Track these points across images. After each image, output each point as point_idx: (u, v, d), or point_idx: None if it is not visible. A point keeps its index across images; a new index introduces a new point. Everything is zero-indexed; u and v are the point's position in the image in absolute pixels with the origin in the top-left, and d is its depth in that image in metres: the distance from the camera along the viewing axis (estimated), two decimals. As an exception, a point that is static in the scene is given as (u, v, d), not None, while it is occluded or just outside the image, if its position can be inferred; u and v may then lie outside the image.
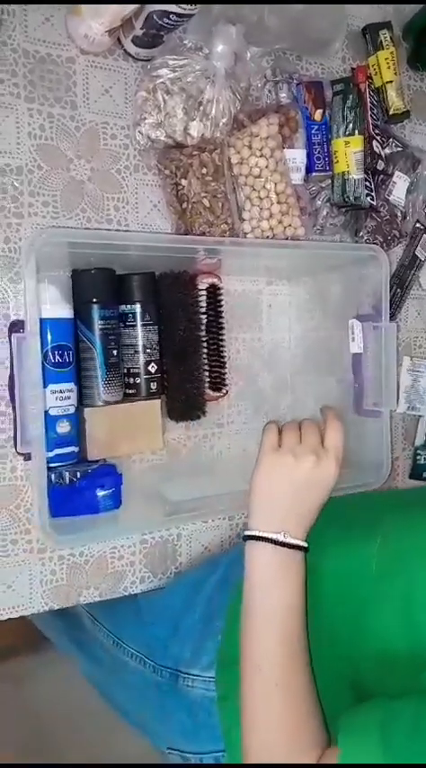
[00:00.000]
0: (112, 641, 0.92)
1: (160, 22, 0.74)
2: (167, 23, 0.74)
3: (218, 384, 0.91)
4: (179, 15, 0.73)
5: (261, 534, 0.62)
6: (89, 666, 1.02)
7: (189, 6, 0.71)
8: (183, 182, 0.84)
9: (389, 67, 1.00)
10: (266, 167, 0.86)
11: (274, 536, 0.61)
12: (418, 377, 1.12)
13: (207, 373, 0.90)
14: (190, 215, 0.85)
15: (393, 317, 1.07)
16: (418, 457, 1.13)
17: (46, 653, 1.27)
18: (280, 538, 0.61)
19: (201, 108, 0.82)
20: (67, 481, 0.73)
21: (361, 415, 0.95)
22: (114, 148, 0.83)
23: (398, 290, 1.08)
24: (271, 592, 0.61)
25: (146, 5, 0.72)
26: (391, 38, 1.00)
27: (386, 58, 1.00)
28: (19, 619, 0.80)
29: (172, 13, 0.72)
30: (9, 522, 0.78)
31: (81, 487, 0.73)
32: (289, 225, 0.88)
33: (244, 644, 0.61)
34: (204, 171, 0.85)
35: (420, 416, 1.13)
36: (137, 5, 0.70)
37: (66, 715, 1.27)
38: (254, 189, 0.86)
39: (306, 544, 0.62)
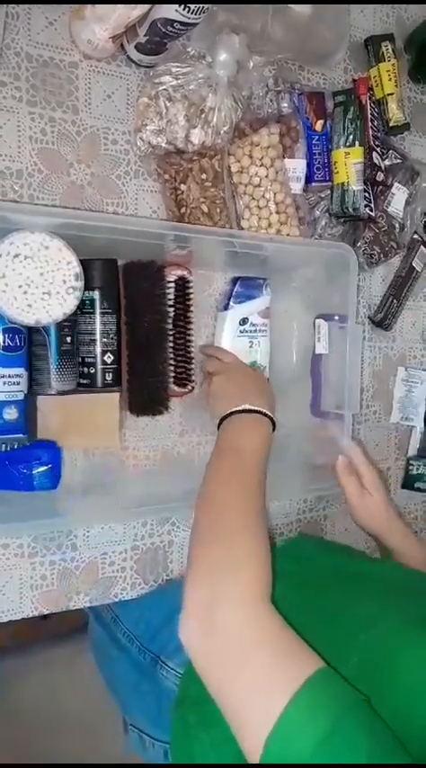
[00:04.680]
0: (111, 616, 0.94)
1: (164, 30, 0.74)
2: (171, 31, 0.74)
3: (184, 380, 0.89)
4: (182, 24, 0.73)
5: (225, 413, 0.76)
6: (94, 632, 1.03)
7: (193, 15, 0.71)
8: (183, 186, 0.84)
9: (390, 79, 1.00)
10: (266, 177, 0.86)
11: (236, 408, 0.76)
12: (412, 387, 1.12)
13: (172, 368, 0.88)
14: (188, 220, 0.85)
15: (389, 327, 1.08)
16: (411, 467, 1.13)
17: (33, 655, 1.26)
18: (243, 406, 0.76)
19: (203, 115, 0.83)
20: (2, 450, 0.71)
21: (319, 418, 0.95)
22: (115, 154, 0.83)
23: (394, 300, 1.08)
24: (241, 440, 0.72)
25: (150, 13, 0.72)
26: (393, 50, 1.01)
27: (387, 70, 1.00)
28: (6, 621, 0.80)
29: (175, 21, 0.72)
30: None
31: (16, 458, 0.72)
32: (288, 234, 0.88)
33: (208, 479, 0.68)
34: (204, 176, 0.85)
35: (413, 427, 1.14)
36: (141, 13, 0.70)
37: (53, 717, 1.27)
38: (254, 198, 0.86)
39: (267, 411, 0.76)
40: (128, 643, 0.88)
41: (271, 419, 0.77)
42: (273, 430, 0.77)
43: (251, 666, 0.50)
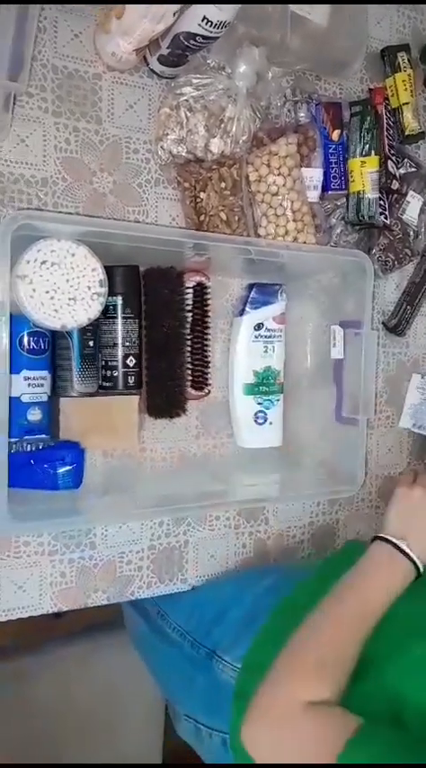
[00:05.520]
0: (157, 611, 0.96)
1: (186, 43, 0.76)
2: (193, 45, 0.76)
3: (201, 383, 0.91)
4: (204, 37, 0.75)
5: (385, 536, 0.73)
6: (135, 624, 1.06)
7: (215, 29, 0.73)
8: (202, 195, 0.87)
9: (406, 89, 1.02)
10: (284, 185, 0.87)
11: (396, 541, 0.72)
12: (426, 394, 1.13)
13: (189, 372, 0.90)
14: (206, 228, 0.87)
15: (403, 333, 1.09)
16: (423, 472, 1.14)
17: (47, 654, 1.28)
18: (400, 544, 0.72)
19: (222, 125, 0.85)
20: (27, 449, 0.73)
21: (340, 423, 0.97)
22: (136, 162, 0.86)
23: (408, 307, 1.09)
24: (372, 578, 0.70)
25: (173, 27, 0.74)
26: (408, 60, 1.02)
27: (403, 80, 1.02)
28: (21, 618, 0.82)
29: (198, 35, 0.74)
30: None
31: (41, 458, 0.73)
32: (304, 242, 0.90)
33: (328, 601, 0.69)
34: (223, 185, 0.87)
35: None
36: (165, 27, 0.72)
37: (66, 715, 1.28)
38: (271, 206, 0.88)
39: (419, 563, 0.71)
40: (179, 638, 0.90)
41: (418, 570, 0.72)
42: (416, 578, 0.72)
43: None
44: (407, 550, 0.71)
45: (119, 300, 0.81)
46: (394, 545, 0.72)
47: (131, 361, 0.82)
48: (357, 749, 0.55)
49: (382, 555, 0.72)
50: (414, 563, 0.71)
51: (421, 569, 0.71)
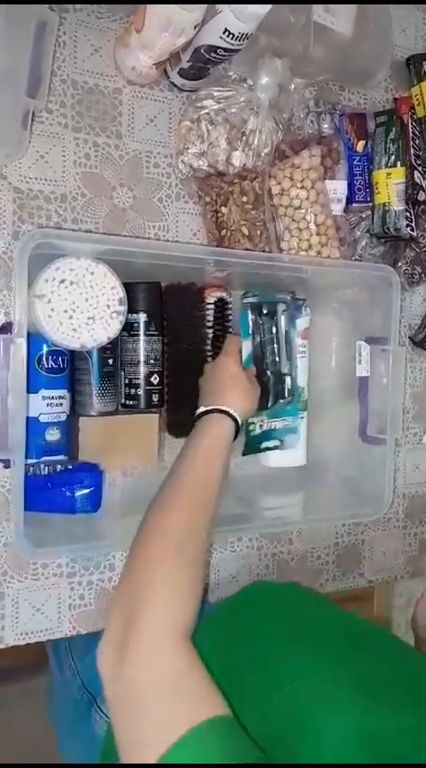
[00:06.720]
0: (68, 643, 0.90)
1: (207, 56, 0.75)
2: (214, 57, 0.75)
3: None
4: (226, 50, 0.73)
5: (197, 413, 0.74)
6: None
7: (236, 41, 0.71)
8: (223, 209, 0.85)
9: (432, 98, 0.99)
10: (307, 199, 0.85)
11: (199, 409, 0.74)
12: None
13: None
14: (228, 242, 0.85)
15: (428, 347, 1.06)
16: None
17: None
18: (200, 409, 0.74)
19: (244, 138, 0.83)
20: (44, 472, 0.72)
21: (366, 442, 0.94)
22: (157, 177, 0.84)
23: (435, 320, 1.06)
24: (199, 440, 0.71)
25: (194, 40, 0.72)
26: (435, 69, 1.00)
27: (429, 89, 0.99)
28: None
29: (219, 47, 0.73)
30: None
31: (59, 481, 0.72)
32: (328, 256, 0.88)
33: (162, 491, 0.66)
34: (244, 199, 0.85)
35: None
36: (186, 40, 0.71)
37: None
38: (294, 220, 0.86)
39: (224, 407, 0.73)
40: (71, 677, 0.84)
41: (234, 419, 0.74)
42: (237, 429, 0.74)
43: (151, 702, 0.49)
44: (202, 409, 0.73)
45: (143, 318, 0.80)
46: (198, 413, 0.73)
47: (155, 379, 0.81)
48: (192, 747, 0.45)
49: (198, 424, 0.72)
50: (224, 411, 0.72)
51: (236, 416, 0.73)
